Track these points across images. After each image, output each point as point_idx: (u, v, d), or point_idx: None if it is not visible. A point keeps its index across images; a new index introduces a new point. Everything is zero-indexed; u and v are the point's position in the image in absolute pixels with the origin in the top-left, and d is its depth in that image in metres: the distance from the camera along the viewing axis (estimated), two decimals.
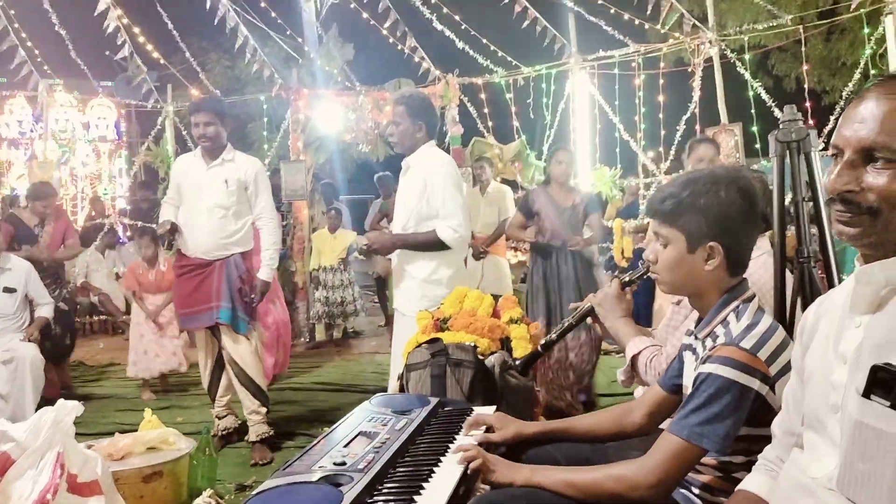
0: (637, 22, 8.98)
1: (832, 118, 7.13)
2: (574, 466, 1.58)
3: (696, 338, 1.61)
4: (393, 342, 3.36)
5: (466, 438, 1.77)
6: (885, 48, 7.42)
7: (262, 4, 9.77)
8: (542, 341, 2.31)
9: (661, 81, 8.93)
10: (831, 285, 2.02)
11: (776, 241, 2.06)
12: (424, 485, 1.46)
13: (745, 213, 1.56)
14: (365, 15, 9.68)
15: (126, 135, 11.35)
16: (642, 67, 8.97)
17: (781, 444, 1.31)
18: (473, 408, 2.05)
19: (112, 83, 12.35)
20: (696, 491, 1.55)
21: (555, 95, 9.44)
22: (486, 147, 8.86)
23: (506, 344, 2.75)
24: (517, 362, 2.53)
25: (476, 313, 2.83)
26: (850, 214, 1.10)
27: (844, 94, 7.93)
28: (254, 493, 1.37)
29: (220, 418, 4.06)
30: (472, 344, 2.54)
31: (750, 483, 1.35)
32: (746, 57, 8.37)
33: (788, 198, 2.11)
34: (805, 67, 8.37)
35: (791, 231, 2.15)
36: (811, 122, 7.57)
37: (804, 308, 1.92)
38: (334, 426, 1.81)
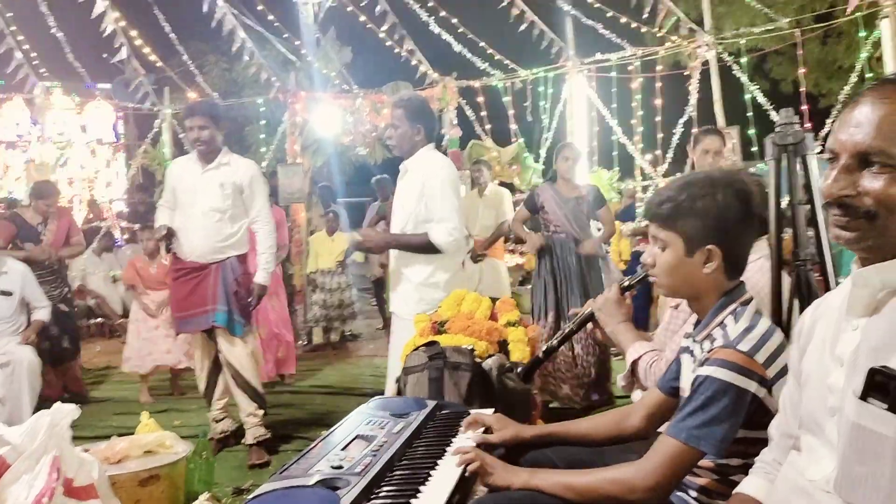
0: (634, 25, 9.01)
1: (829, 121, 7.15)
2: (572, 470, 1.58)
3: (694, 340, 1.61)
4: (390, 345, 3.36)
5: (464, 441, 1.77)
6: (881, 52, 7.44)
7: (260, 7, 9.78)
8: (544, 347, 2.30)
9: (659, 85, 8.95)
10: (828, 288, 2.02)
11: (773, 244, 2.07)
12: (421, 488, 1.46)
13: (743, 216, 1.57)
14: (362, 18, 9.69)
15: (124, 137, 11.33)
16: (639, 71, 8.98)
17: (779, 447, 1.32)
18: (471, 411, 2.05)
19: (110, 86, 12.35)
20: (694, 494, 1.55)
21: (552, 98, 9.46)
22: (483, 150, 8.88)
23: (504, 347, 2.75)
24: (519, 370, 2.53)
25: (474, 316, 2.83)
26: (847, 218, 1.10)
27: (841, 97, 7.96)
28: (251, 496, 1.37)
29: (216, 421, 4.05)
30: (470, 347, 2.53)
31: (747, 486, 1.35)
32: (743, 60, 8.38)
33: (785, 201, 2.12)
34: (802, 71, 8.39)
35: (788, 234, 2.15)
36: (808, 125, 7.59)
37: (801, 311, 1.93)
38: (331, 429, 1.81)
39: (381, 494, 1.43)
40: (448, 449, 1.69)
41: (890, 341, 1.05)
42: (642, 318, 6.01)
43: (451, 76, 9.28)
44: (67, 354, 5.49)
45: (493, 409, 2.07)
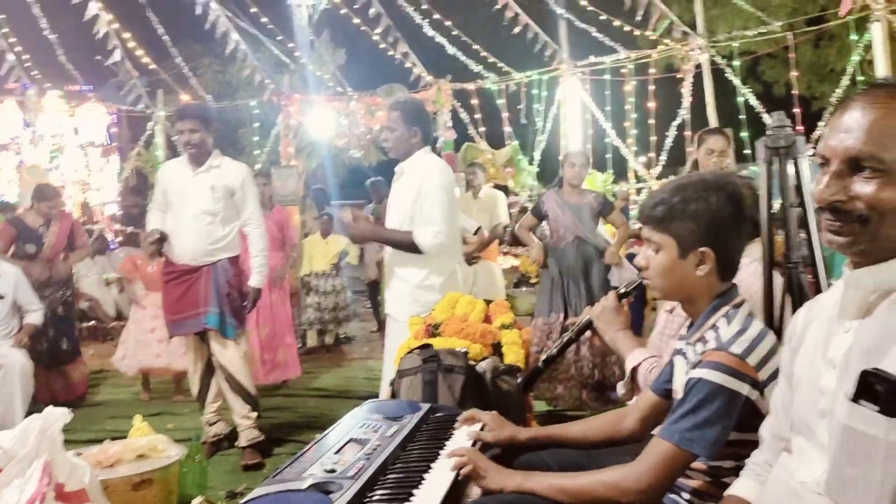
0: (627, 29, 9.04)
1: (821, 124, 7.19)
2: (565, 472, 1.58)
3: (687, 342, 1.61)
4: (385, 347, 3.36)
5: (459, 440, 1.77)
6: (873, 55, 7.48)
7: (254, 10, 9.77)
8: (544, 357, 2.30)
9: (652, 88, 8.98)
10: (819, 290, 2.03)
11: (764, 247, 2.07)
12: (415, 491, 1.46)
13: (735, 219, 1.57)
14: (357, 20, 9.69)
15: (117, 140, 11.30)
16: (633, 74, 9.01)
17: (770, 449, 1.32)
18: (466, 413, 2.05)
19: (103, 88, 12.32)
20: (687, 496, 1.55)
21: (546, 101, 9.48)
22: (477, 152, 8.88)
23: (498, 349, 2.75)
24: (519, 381, 2.53)
25: (468, 319, 2.83)
26: (839, 223, 1.10)
27: (833, 100, 7.99)
28: (243, 500, 1.37)
29: (210, 425, 4.04)
30: (464, 350, 2.54)
31: (738, 488, 1.35)
32: (736, 63, 8.42)
33: (777, 204, 2.12)
34: (794, 74, 8.43)
35: (780, 236, 2.16)
36: (800, 127, 7.63)
37: (793, 313, 1.93)
38: (325, 433, 1.81)
39: (374, 498, 1.42)
40: (441, 452, 1.69)
41: (881, 344, 1.05)
42: (637, 321, 6.02)
43: (446, 79, 9.29)
44: (66, 357, 5.46)
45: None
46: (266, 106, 9.46)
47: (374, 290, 8.07)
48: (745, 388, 1.43)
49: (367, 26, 9.61)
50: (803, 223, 2.05)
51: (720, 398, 1.42)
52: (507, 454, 1.78)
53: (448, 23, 9.44)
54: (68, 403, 5.01)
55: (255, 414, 3.92)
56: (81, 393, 5.53)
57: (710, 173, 1.95)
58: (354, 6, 9.53)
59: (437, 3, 9.42)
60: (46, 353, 5.21)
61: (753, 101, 8.09)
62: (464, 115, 9.70)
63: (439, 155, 7.01)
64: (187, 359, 4.07)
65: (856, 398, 1.03)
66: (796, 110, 7.94)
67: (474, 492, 1.61)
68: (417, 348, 2.58)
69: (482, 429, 1.83)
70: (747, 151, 7.22)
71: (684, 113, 8.64)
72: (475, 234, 5.40)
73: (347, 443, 1.68)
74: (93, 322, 8.60)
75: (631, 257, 5.52)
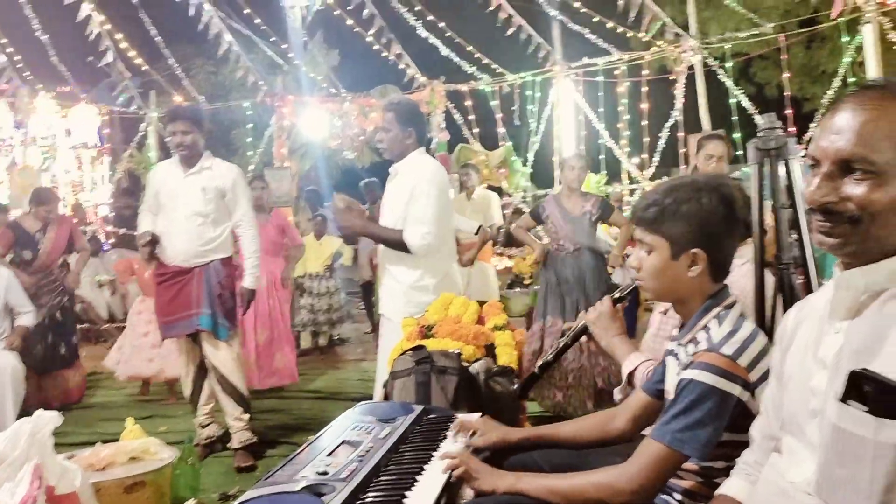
0: (620, 30, 9.07)
1: (812, 125, 7.22)
2: (557, 473, 1.58)
3: (679, 343, 1.62)
4: (379, 348, 3.36)
5: (451, 445, 1.76)
6: (864, 56, 7.52)
7: (247, 11, 9.76)
8: (539, 363, 2.30)
9: (645, 89, 9.01)
10: (810, 291, 2.03)
11: (755, 247, 2.08)
12: (407, 493, 1.46)
13: (727, 220, 1.58)
14: (350, 22, 9.69)
15: (109, 141, 11.26)
16: (626, 75, 9.04)
17: (760, 449, 1.32)
18: (458, 415, 2.05)
19: (95, 89, 12.28)
20: (678, 497, 1.55)
21: (540, 102, 9.50)
22: (471, 153, 8.89)
23: (491, 350, 2.75)
24: (515, 387, 2.52)
25: (461, 320, 2.83)
26: (830, 224, 1.11)
27: (824, 101, 8.03)
28: (236, 503, 1.36)
29: (203, 427, 4.03)
30: (457, 351, 2.53)
31: (729, 487, 1.36)
32: (728, 65, 8.46)
33: (768, 205, 2.13)
34: (786, 75, 8.47)
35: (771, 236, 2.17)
36: (792, 129, 7.66)
37: (784, 313, 1.94)
38: (318, 434, 1.80)
39: (366, 500, 1.42)
40: (434, 454, 1.68)
41: (871, 344, 1.06)
42: (630, 323, 6.03)
43: (439, 80, 9.30)
44: (64, 362, 5.42)
45: (480, 413, 2.07)
46: (259, 107, 9.46)
47: (367, 291, 8.06)
48: (736, 389, 1.43)
49: (361, 28, 9.62)
50: (794, 224, 2.06)
51: (712, 399, 1.42)
52: (499, 455, 1.78)
53: (442, 24, 9.46)
54: (64, 408, 5.04)
55: (247, 416, 3.91)
56: (78, 398, 5.50)
57: (702, 175, 1.95)
58: (348, 7, 9.53)
59: (430, 5, 9.43)
60: (44, 357, 5.18)
61: (746, 103, 8.13)
62: (457, 117, 9.71)
63: (433, 156, 7.02)
64: (180, 361, 4.06)
65: (845, 398, 1.04)
66: (788, 111, 7.99)
67: (467, 493, 1.61)
68: (410, 350, 2.58)
69: (473, 434, 1.83)
70: (739, 153, 7.25)
71: (677, 114, 8.67)
72: (476, 233, 5.41)
73: (340, 445, 1.68)
74: (85, 324, 8.57)
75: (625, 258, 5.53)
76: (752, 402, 1.44)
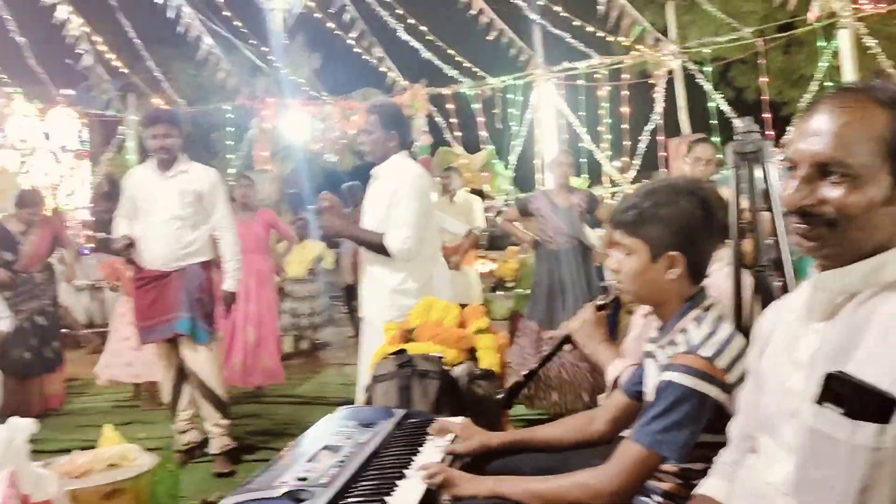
0: (601, 35, 9.13)
1: (790, 128, 7.30)
2: (537, 476, 1.59)
3: (658, 345, 1.63)
4: (360, 353, 3.34)
5: (431, 450, 1.76)
6: (840, 61, 7.63)
7: (227, 13, 9.70)
8: (525, 371, 2.30)
9: (625, 93, 9.08)
10: (787, 293, 2.05)
11: (733, 250, 2.10)
12: (387, 499, 1.45)
13: (706, 223, 1.59)
14: (331, 25, 9.67)
15: (89, 144, 11.15)
16: (607, 79, 9.10)
17: (738, 448, 1.33)
18: (439, 419, 2.04)
19: (74, 92, 12.14)
20: (658, 498, 1.56)
21: (521, 106, 9.53)
22: (453, 157, 8.91)
23: (473, 354, 2.74)
24: (500, 396, 2.52)
25: (442, 323, 2.83)
26: (808, 227, 1.11)
27: (802, 104, 8.14)
28: None
29: (182, 433, 3.98)
30: (439, 355, 2.53)
31: (707, 487, 1.37)
32: (708, 69, 8.54)
33: (746, 205, 2.15)
34: (765, 80, 8.56)
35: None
36: (771, 132, 7.75)
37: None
38: (298, 440, 1.79)
39: None
40: (415, 458, 1.68)
41: (847, 346, 1.07)
42: (612, 326, 6.05)
43: (421, 83, 9.30)
44: (47, 366, 5.34)
45: (461, 417, 2.06)
46: (240, 110, 9.41)
47: (350, 294, 8.03)
48: (714, 391, 1.45)
49: (342, 31, 9.60)
50: (772, 227, 2.08)
51: (690, 401, 1.43)
52: (480, 460, 1.78)
53: (423, 28, 9.46)
54: (45, 414, 4.97)
55: (226, 421, 3.88)
56: (59, 403, 5.43)
57: (682, 178, 1.97)
58: (329, 10, 9.51)
59: (412, 8, 9.43)
60: (25, 362, 5.11)
61: (725, 107, 8.21)
62: (439, 120, 9.71)
63: (416, 160, 7.02)
64: (159, 366, 4.02)
65: (821, 401, 1.05)
66: (766, 115, 8.08)
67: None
68: (392, 354, 2.57)
69: (454, 440, 1.82)
70: (719, 156, 7.32)
71: (657, 118, 8.74)
72: (466, 236, 5.48)
73: (321, 450, 1.67)
74: (63, 329, 8.44)
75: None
76: (729, 404, 1.45)
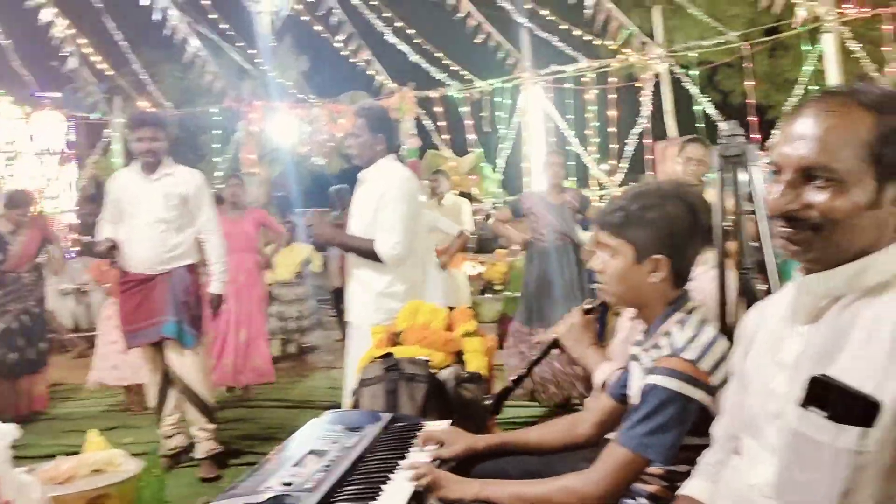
0: (588, 38, 9.17)
1: (775, 132, 7.36)
2: (523, 480, 1.59)
3: (642, 348, 1.63)
4: (347, 356, 3.33)
5: (418, 455, 1.76)
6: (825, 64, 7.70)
7: (214, 16, 9.66)
8: (514, 376, 2.29)
9: (613, 96, 9.12)
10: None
11: (717, 253, 2.11)
12: (372, 503, 1.45)
13: (691, 227, 1.60)
14: (319, 27, 9.65)
15: (75, 147, 11.06)
16: (594, 82, 9.13)
17: (723, 449, 1.34)
18: (425, 423, 2.04)
19: (60, 94, 12.05)
20: (643, 501, 1.57)
21: (509, 109, 9.55)
22: (441, 160, 8.92)
23: (461, 357, 2.74)
24: (488, 401, 2.51)
25: (429, 327, 2.82)
26: (793, 231, 1.11)
27: (787, 108, 8.20)
28: None
29: (168, 437, 3.96)
30: (426, 358, 2.52)
31: (691, 488, 1.37)
32: (694, 73, 8.59)
33: (730, 208, 2.16)
34: (751, 83, 8.62)
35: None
36: (757, 136, 7.81)
37: None
38: (284, 444, 1.78)
39: None
40: (401, 463, 1.67)
41: (831, 349, 1.07)
42: (599, 329, 6.06)
43: (409, 86, 9.30)
44: (29, 368, 5.28)
45: (449, 421, 2.05)
46: (227, 113, 9.37)
47: (338, 298, 8.00)
48: (698, 394, 1.45)
49: (330, 33, 9.59)
50: (756, 230, 2.09)
51: (675, 404, 1.44)
52: (467, 463, 1.78)
53: (411, 31, 9.46)
54: (29, 417, 4.92)
55: (212, 425, 3.86)
56: (44, 405, 5.39)
57: (668, 182, 1.98)
58: (317, 13, 9.49)
59: (399, 12, 9.43)
60: (10, 363, 5.05)
61: (711, 110, 8.26)
62: (427, 123, 9.72)
63: (404, 163, 7.01)
64: (145, 370, 3.99)
65: (805, 404, 1.05)
66: (752, 118, 8.13)
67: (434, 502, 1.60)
68: (379, 357, 2.56)
69: (440, 445, 1.82)
70: None
71: (644, 121, 8.78)
72: (458, 236, 5.49)
73: (307, 454, 1.66)
74: (49, 334, 8.36)
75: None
76: (714, 406, 1.46)
